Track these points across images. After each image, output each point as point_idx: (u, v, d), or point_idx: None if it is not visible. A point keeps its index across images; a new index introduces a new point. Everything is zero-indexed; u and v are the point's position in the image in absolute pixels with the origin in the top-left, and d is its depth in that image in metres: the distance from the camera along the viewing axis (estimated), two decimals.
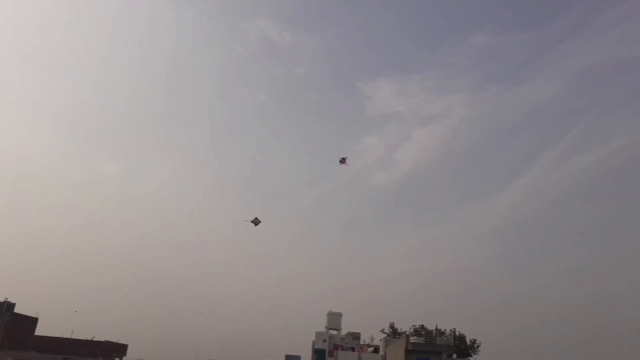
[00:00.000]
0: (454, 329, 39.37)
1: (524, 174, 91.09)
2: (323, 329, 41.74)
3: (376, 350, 40.63)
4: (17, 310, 42.31)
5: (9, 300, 41.98)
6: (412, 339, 31.22)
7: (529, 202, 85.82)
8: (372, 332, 44.07)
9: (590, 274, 74.16)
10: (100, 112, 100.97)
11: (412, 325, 41.83)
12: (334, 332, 41.48)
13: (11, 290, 62.24)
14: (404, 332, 38.39)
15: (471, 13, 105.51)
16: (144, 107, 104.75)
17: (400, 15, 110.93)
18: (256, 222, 27.47)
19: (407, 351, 29.62)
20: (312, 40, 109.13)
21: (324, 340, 40.39)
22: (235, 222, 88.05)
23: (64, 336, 50.68)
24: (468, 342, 41.49)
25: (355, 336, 42.66)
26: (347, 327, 42.66)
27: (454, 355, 35.19)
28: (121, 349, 53.81)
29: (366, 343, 42.38)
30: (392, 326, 43.66)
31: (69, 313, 54.59)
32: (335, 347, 40.05)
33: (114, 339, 52.98)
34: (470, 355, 40.61)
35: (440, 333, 35.04)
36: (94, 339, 51.15)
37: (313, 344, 41.12)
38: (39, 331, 45.04)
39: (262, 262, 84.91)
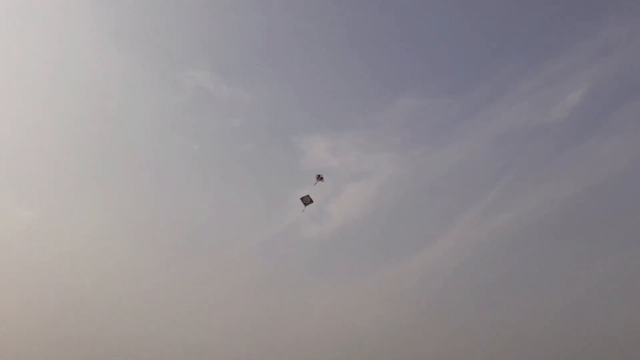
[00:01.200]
0: None
1: (448, 230, 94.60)
2: None
3: None
4: None
5: None
6: None
7: (451, 258, 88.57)
8: None
9: (509, 328, 76.48)
10: (15, 155, 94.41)
11: None
12: None
13: None
14: None
15: (400, 78, 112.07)
16: (66, 153, 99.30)
17: (334, 76, 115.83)
18: (307, 201, 24.78)
19: None
20: (249, 94, 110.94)
21: None
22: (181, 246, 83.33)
23: None
24: None
25: None
26: None
27: None
28: None
29: None
30: None
31: None
32: None
33: None
34: None
35: None
36: None
37: None
38: None
39: (183, 317, 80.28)
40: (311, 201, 25.27)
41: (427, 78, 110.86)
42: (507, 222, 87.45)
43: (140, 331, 74.45)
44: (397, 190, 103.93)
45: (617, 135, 63.01)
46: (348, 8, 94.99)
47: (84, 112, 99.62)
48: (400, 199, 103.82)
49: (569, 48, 72.02)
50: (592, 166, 66.60)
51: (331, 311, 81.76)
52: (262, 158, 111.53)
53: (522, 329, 72.53)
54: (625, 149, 61.04)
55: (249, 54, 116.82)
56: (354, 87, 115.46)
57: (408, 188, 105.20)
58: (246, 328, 77.56)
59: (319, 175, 27.20)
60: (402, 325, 78.36)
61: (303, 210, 25.26)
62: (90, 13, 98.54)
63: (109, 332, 69.37)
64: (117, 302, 78.16)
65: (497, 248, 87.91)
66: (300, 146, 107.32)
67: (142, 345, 71.12)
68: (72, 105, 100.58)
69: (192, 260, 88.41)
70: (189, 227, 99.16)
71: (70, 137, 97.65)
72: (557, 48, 74.00)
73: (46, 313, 71.95)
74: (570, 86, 75.05)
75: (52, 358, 62.22)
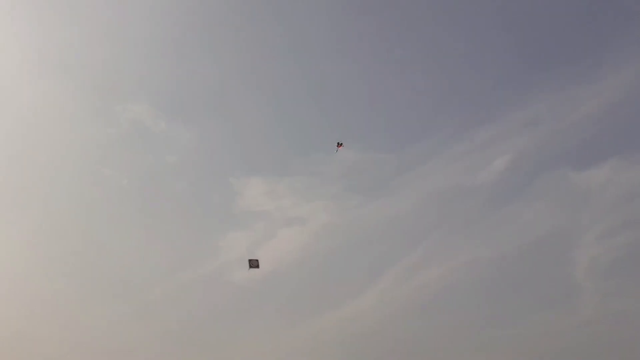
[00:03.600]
0: None
1: (375, 283, 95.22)
2: None
3: None
4: None
5: None
6: None
7: (377, 311, 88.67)
8: None
9: None
10: None
11: None
12: None
13: None
14: None
15: (342, 130, 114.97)
16: None
17: (277, 121, 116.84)
18: (253, 264, 24.17)
19: None
20: (189, 132, 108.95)
21: None
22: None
23: None
24: None
25: None
26: None
27: None
28: None
29: None
30: None
31: None
32: None
33: None
34: None
35: None
36: None
37: None
38: None
39: None
40: (257, 266, 25.82)
41: (367, 133, 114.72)
42: (432, 279, 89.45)
43: None
44: (329, 238, 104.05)
45: (538, 202, 66.98)
46: (296, 57, 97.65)
47: (9, 139, 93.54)
48: (331, 248, 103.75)
49: (498, 117, 77.55)
50: (514, 230, 70.18)
51: None
52: (196, 197, 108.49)
53: None
54: (545, 215, 64.83)
55: (191, 92, 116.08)
56: (296, 135, 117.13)
57: (340, 237, 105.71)
58: None
59: (339, 143, 27.28)
60: None
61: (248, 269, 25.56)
62: (27, 40, 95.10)
63: None
64: (22, 347, 71.09)
65: (421, 303, 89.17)
66: (237, 187, 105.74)
67: None
68: None
69: (113, 301, 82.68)
70: (110, 265, 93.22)
71: None
72: (487, 116, 79.29)
73: None
74: (498, 152, 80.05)
75: None
